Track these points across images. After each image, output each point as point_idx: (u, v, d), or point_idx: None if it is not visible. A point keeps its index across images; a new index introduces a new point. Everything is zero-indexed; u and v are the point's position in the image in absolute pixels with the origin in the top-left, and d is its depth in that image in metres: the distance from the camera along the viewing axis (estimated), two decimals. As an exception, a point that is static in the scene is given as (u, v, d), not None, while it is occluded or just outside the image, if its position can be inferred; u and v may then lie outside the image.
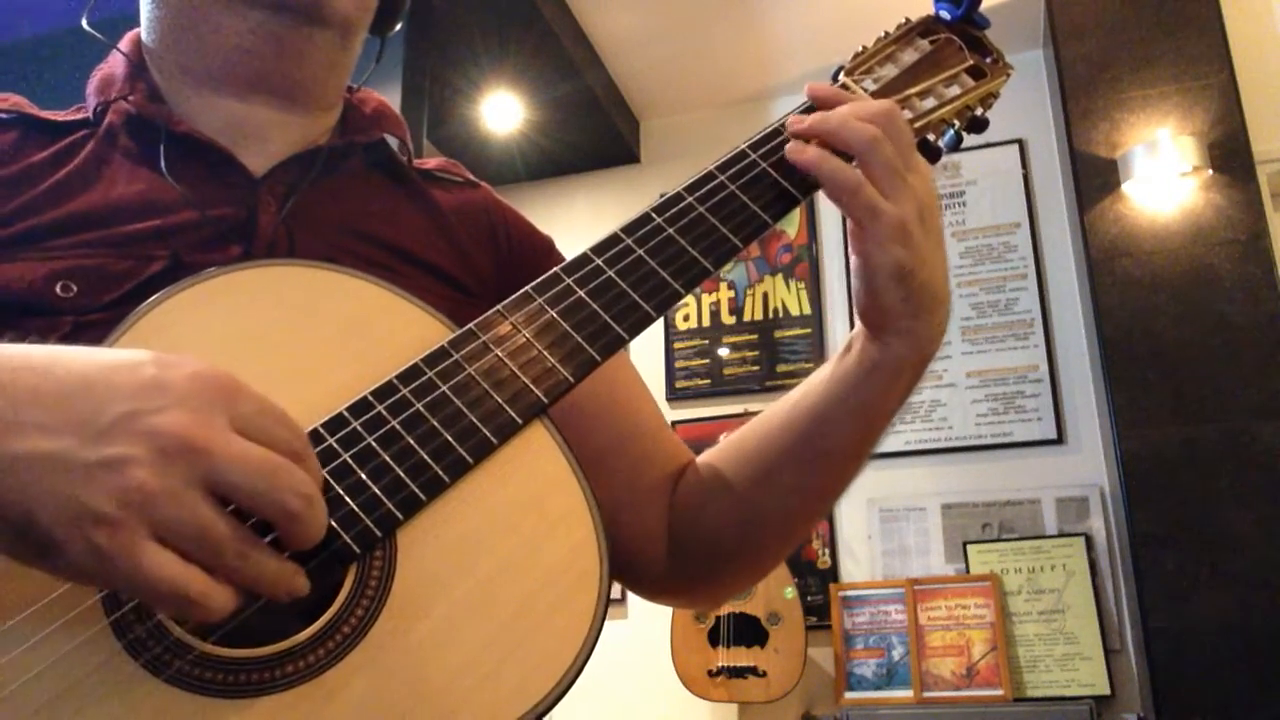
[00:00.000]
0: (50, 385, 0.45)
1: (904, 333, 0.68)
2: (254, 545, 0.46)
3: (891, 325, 0.68)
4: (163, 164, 0.71)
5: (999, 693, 2.88)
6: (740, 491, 0.75)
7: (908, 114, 0.73)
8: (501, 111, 3.64)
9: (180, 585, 0.43)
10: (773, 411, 0.76)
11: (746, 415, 1.79)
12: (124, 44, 0.79)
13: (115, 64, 0.78)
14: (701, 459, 0.81)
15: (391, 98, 2.12)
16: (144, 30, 0.78)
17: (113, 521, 0.43)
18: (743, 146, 0.71)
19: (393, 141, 0.84)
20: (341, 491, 0.53)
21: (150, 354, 0.47)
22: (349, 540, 0.52)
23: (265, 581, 0.47)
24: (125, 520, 0.43)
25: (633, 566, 0.80)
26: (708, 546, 0.78)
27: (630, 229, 0.66)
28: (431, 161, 0.89)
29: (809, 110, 0.71)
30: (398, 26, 0.85)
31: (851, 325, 0.79)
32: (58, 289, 0.64)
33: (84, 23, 0.80)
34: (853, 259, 0.67)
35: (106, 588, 0.47)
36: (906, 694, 2.97)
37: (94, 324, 0.62)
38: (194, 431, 0.44)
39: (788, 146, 0.68)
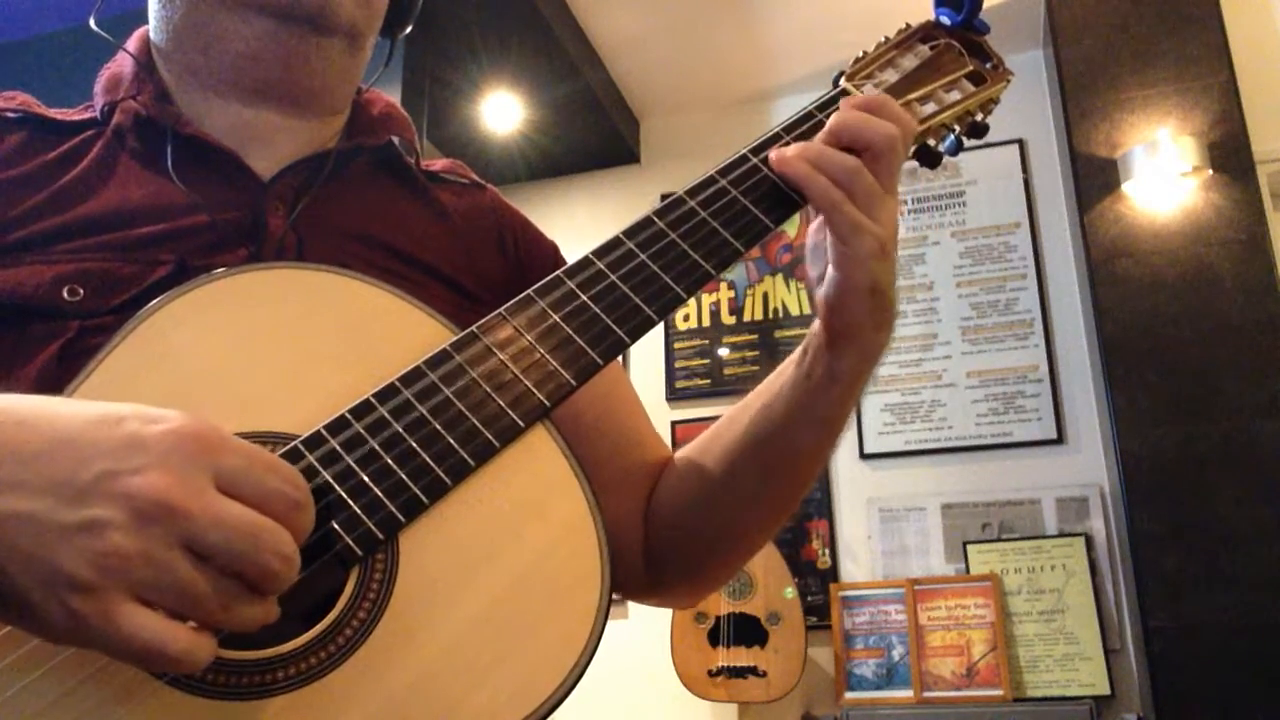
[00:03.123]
0: (30, 439, 0.44)
1: (864, 344, 0.69)
2: (236, 597, 0.45)
3: (854, 336, 0.68)
4: (170, 166, 0.71)
5: (999, 693, 2.88)
6: (708, 504, 0.77)
7: None
8: (501, 111, 3.64)
9: (158, 646, 0.43)
10: (734, 421, 0.76)
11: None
12: (132, 43, 0.78)
13: (123, 63, 0.77)
14: (678, 455, 0.82)
15: (391, 97, 2.12)
16: (152, 29, 0.78)
17: (89, 587, 0.42)
18: (744, 151, 0.71)
19: (399, 143, 0.84)
20: (344, 494, 0.53)
21: (132, 408, 0.46)
22: (351, 543, 0.52)
23: (250, 627, 0.47)
24: (102, 585, 0.42)
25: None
26: (682, 551, 0.79)
27: (632, 232, 0.67)
28: (438, 163, 0.89)
29: (825, 105, 0.72)
30: (408, 28, 0.85)
31: None
32: (64, 292, 0.64)
33: (91, 22, 0.79)
34: (829, 271, 0.67)
35: (86, 649, 0.46)
36: (906, 694, 2.97)
37: (100, 328, 0.62)
38: (172, 493, 0.43)
39: (772, 159, 0.69)
